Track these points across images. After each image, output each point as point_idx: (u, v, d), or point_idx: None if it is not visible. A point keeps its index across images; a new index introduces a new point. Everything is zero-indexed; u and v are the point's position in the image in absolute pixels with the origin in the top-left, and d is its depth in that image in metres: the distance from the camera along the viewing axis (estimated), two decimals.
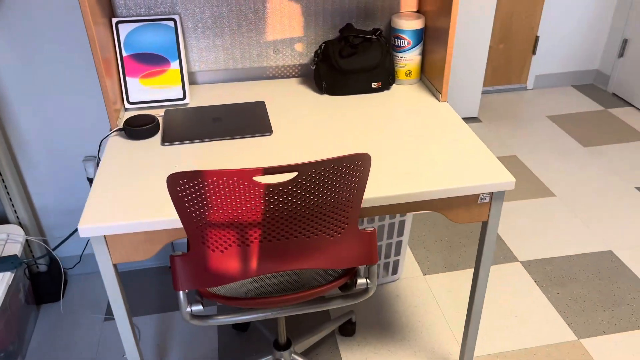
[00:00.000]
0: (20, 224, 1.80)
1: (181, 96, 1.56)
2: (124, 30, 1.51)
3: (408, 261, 2.10)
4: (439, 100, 1.58)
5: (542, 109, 3.28)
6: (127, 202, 1.17)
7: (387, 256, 1.92)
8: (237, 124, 1.46)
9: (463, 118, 3.18)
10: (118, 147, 1.38)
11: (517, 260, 2.11)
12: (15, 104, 1.67)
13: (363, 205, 1.18)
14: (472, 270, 2.07)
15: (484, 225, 1.32)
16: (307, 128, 1.45)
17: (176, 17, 1.54)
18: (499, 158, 2.77)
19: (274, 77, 1.75)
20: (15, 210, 1.77)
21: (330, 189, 1.02)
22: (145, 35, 1.52)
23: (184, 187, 0.98)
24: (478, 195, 1.25)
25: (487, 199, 1.26)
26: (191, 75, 1.70)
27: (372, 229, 1.21)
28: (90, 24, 1.30)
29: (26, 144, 1.74)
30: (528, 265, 2.08)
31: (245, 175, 0.96)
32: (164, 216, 1.13)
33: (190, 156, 1.33)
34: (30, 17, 1.55)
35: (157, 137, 1.42)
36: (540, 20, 3.31)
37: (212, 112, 1.52)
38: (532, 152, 2.83)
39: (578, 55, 3.48)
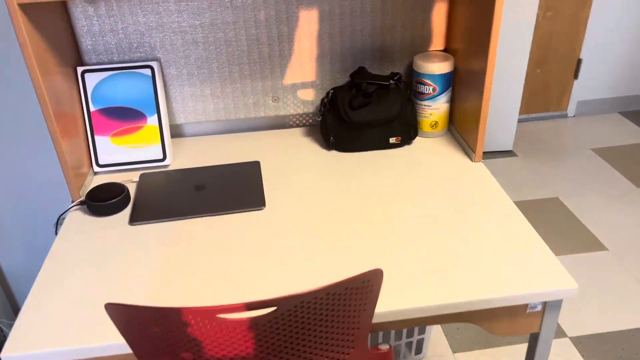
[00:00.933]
0: None
1: (160, 156, 1.31)
2: (92, 80, 1.27)
3: (435, 336, 1.80)
4: (471, 160, 1.29)
5: (586, 140, 2.93)
6: (71, 316, 0.92)
7: (410, 334, 1.62)
8: (223, 194, 1.20)
9: (497, 152, 2.86)
10: (76, 227, 1.14)
11: (566, 336, 1.78)
12: None
13: (376, 320, 0.90)
14: (510, 348, 1.75)
15: (534, 337, 1.02)
16: (309, 197, 1.18)
17: (154, 64, 1.29)
18: (537, 200, 2.45)
19: (273, 127, 1.49)
20: None
21: (326, 318, 0.75)
22: (117, 86, 1.28)
23: (127, 320, 0.72)
24: (527, 304, 0.95)
25: (539, 307, 0.96)
26: (176, 127, 1.45)
27: (387, 347, 0.93)
28: (38, 77, 1.06)
29: None
30: (579, 342, 1.76)
31: (207, 314, 0.69)
32: (115, 339, 0.87)
33: (160, 240, 1.07)
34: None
35: (126, 212, 1.17)
36: (583, 41, 2.98)
37: (195, 177, 1.26)
38: (576, 194, 2.49)
39: (625, 79, 3.13)
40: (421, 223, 1.09)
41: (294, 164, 1.32)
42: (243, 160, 1.34)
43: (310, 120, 1.49)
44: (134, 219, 1.14)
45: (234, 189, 1.22)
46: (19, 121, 1.42)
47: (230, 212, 1.15)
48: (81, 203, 1.18)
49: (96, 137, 1.28)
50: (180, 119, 1.42)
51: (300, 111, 1.45)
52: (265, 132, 1.46)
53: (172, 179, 1.26)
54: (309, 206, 1.16)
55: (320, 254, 1.03)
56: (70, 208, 1.19)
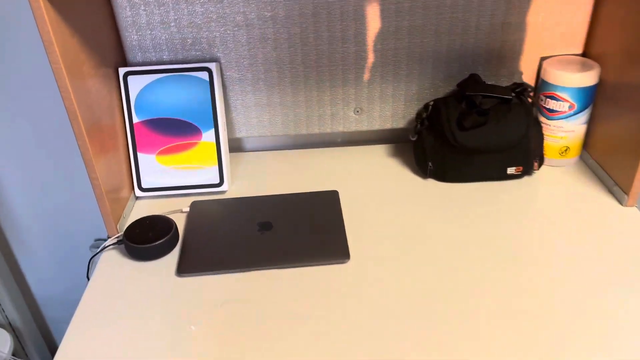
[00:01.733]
0: (10, 326, 1.37)
1: (216, 180, 1.06)
2: (136, 85, 1.02)
3: None
4: (620, 203, 0.98)
5: None
6: None
7: None
8: (294, 238, 0.93)
9: None
10: (111, 271, 0.90)
11: None
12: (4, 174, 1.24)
13: None
14: None
15: None
16: (404, 243, 0.90)
17: (212, 66, 1.03)
18: None
19: (353, 143, 1.21)
20: (3, 309, 1.34)
21: None
22: (167, 92, 1.03)
23: None
24: None
25: None
26: (235, 141, 1.19)
27: None
28: (66, 84, 0.82)
29: (21, 227, 1.31)
30: None
31: None
32: None
33: (215, 297, 0.82)
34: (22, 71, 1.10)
35: (173, 256, 0.92)
36: None
37: (259, 210, 1.00)
38: None
39: None
40: (565, 293, 0.79)
41: (380, 195, 1.04)
42: (316, 186, 1.07)
43: (400, 139, 1.20)
44: (183, 270, 0.89)
45: (307, 231, 0.95)
46: (54, 128, 1.19)
47: (304, 264, 0.89)
48: (119, 241, 0.95)
49: (139, 155, 1.04)
50: (240, 132, 1.16)
51: (388, 126, 1.17)
52: (343, 149, 1.19)
53: (231, 211, 1.01)
54: (406, 260, 0.88)
55: (427, 333, 0.75)
56: (105, 248, 0.95)
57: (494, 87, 1.02)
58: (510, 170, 1.04)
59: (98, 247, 1.00)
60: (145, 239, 0.91)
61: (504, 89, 1.02)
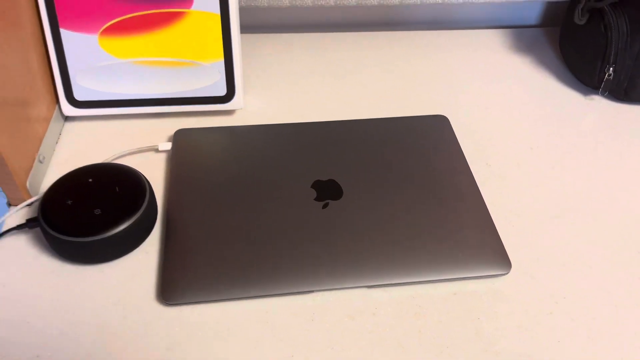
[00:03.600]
0: None
1: (222, 91, 0.56)
2: None
3: None
4: None
5: None
6: None
7: None
8: (386, 219, 0.47)
9: None
10: (11, 284, 0.42)
11: None
12: None
13: None
14: None
15: None
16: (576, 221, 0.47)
17: None
18: None
19: (453, 24, 0.71)
20: None
21: None
22: None
23: None
24: None
25: None
26: (252, 12, 0.67)
27: None
28: None
29: None
30: None
31: None
32: None
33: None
34: None
35: (146, 254, 0.45)
36: None
37: (311, 155, 0.52)
38: None
39: None
40: None
41: (522, 128, 0.58)
42: (404, 102, 0.59)
43: (544, 19, 0.71)
44: (171, 293, 0.42)
45: (405, 203, 0.49)
46: None
47: (413, 280, 0.44)
48: (28, 221, 0.46)
49: (65, 35, 0.52)
50: (260, 0, 0.63)
51: None
52: (437, 34, 0.69)
53: (253, 155, 0.52)
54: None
55: None
56: (4, 234, 0.46)
57: None
58: None
59: None
60: (88, 220, 0.42)
61: None
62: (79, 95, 0.54)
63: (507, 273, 0.45)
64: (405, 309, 0.43)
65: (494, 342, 0.41)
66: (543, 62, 0.67)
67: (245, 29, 0.65)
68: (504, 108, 0.61)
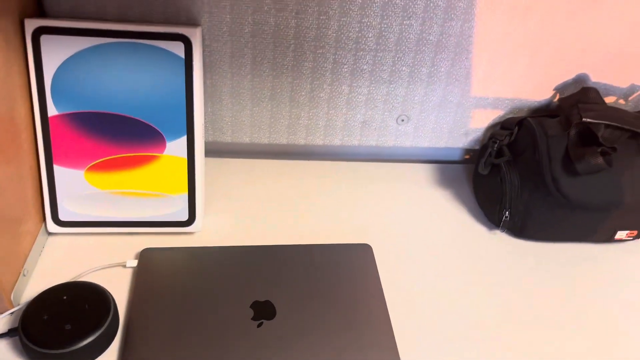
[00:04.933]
0: None
1: (184, 217, 0.67)
2: (57, 52, 0.59)
3: None
4: None
5: None
6: None
7: None
8: (310, 336, 0.58)
9: None
10: None
11: None
12: None
13: None
14: None
15: None
16: (474, 341, 0.57)
17: (191, 33, 0.62)
18: None
19: (385, 158, 0.85)
20: None
21: None
22: (111, 71, 0.61)
23: None
24: None
25: None
26: (212, 144, 0.79)
27: None
28: None
29: None
30: None
31: None
32: None
33: None
34: None
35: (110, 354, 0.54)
36: None
37: (252, 274, 0.62)
38: None
39: None
40: None
41: (434, 255, 0.70)
42: (336, 228, 0.70)
43: (452, 159, 0.85)
44: None
45: (327, 320, 0.59)
46: None
47: None
48: (10, 331, 0.55)
49: (57, 169, 0.63)
50: (224, 136, 0.76)
51: (441, 144, 0.81)
52: (372, 166, 0.82)
53: (204, 273, 0.63)
54: None
55: None
56: None
57: (623, 114, 0.68)
58: (620, 235, 0.72)
59: None
60: (59, 335, 0.52)
61: (637, 117, 0.69)
62: (63, 216, 0.64)
63: None
64: None
65: None
66: (460, 196, 0.80)
67: (211, 153, 0.77)
68: (421, 238, 0.73)
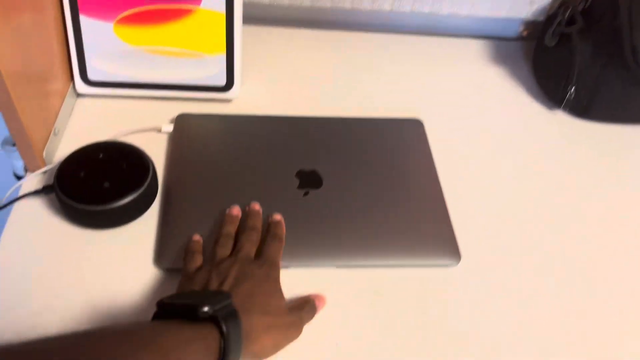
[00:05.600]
0: None
1: (221, 81, 0.62)
2: None
3: None
4: None
5: None
6: None
7: None
8: (360, 207, 0.54)
9: None
10: (24, 243, 0.49)
11: None
12: None
13: None
14: None
15: None
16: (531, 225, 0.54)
17: None
18: None
19: (439, 32, 0.77)
20: None
21: None
22: None
23: None
24: None
25: None
26: (252, 6, 0.72)
27: None
28: None
29: None
30: None
31: None
32: None
33: None
34: None
35: (146, 224, 0.52)
36: None
37: (297, 145, 0.58)
38: None
39: None
40: None
41: (488, 134, 0.65)
42: (382, 102, 0.65)
43: (512, 40, 0.77)
44: (166, 259, 0.49)
45: (376, 195, 0.56)
46: None
47: (377, 263, 0.51)
48: (45, 188, 0.52)
49: (84, 20, 0.57)
50: None
51: (502, 14, 0.73)
52: (425, 40, 0.75)
53: (251, 145, 0.58)
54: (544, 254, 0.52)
55: None
56: (17, 200, 0.52)
57: None
58: None
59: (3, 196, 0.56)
60: (98, 192, 0.49)
61: None
62: (92, 75, 0.60)
63: (456, 264, 0.52)
64: (365, 287, 0.50)
65: (438, 322, 0.48)
66: (516, 74, 0.73)
67: (248, 20, 0.70)
68: (475, 116, 0.67)
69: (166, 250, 0.49)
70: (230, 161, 0.56)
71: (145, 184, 0.50)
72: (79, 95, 0.62)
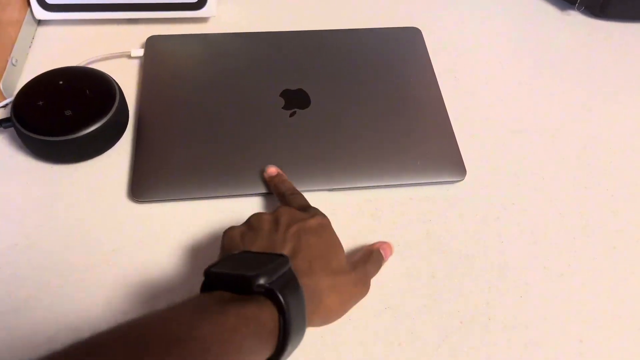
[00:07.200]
0: None
1: None
2: None
3: None
4: None
5: None
6: None
7: None
8: (351, 126, 0.49)
9: None
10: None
11: None
12: None
13: None
14: None
15: None
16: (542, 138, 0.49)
17: None
18: None
19: None
20: None
21: None
22: None
23: None
24: None
25: None
26: None
27: None
28: None
29: None
30: None
31: None
32: None
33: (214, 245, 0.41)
34: None
35: (118, 154, 0.47)
36: None
37: (281, 64, 0.53)
38: None
39: None
40: None
41: (496, 40, 0.58)
42: (376, 12, 0.58)
43: None
44: (141, 191, 0.45)
45: (369, 111, 0.50)
46: None
47: (376, 184, 0.47)
48: (2, 121, 0.47)
49: None
50: None
51: None
52: None
53: (224, 62, 0.53)
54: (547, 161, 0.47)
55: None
56: None
57: None
58: None
59: None
60: (59, 121, 0.44)
61: None
62: None
63: (461, 180, 0.47)
64: (362, 210, 0.45)
65: (442, 243, 0.44)
66: None
67: None
68: (479, 21, 0.61)
69: (141, 181, 0.45)
70: (208, 84, 0.51)
71: (112, 110, 0.45)
72: (39, 22, 0.56)
